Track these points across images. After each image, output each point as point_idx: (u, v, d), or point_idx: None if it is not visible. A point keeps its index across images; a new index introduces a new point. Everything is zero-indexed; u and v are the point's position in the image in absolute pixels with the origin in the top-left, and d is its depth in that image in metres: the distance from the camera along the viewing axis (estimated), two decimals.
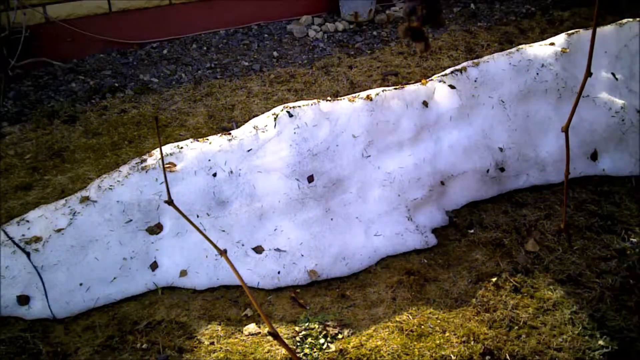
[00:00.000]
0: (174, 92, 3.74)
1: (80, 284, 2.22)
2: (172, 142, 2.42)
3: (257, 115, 3.43)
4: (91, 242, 2.26)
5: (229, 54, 4.29)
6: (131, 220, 2.29)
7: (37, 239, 2.21)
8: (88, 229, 2.25)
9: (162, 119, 3.41)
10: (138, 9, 4.28)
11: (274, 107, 3.50)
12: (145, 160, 2.34)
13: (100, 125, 3.38)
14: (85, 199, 2.25)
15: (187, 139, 3.16)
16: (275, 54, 4.28)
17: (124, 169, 2.32)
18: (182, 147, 2.36)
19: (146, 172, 2.31)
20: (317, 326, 2.15)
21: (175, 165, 2.31)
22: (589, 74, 1.00)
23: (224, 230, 2.35)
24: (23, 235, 2.23)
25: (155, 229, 2.32)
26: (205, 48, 4.37)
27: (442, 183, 2.64)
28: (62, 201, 2.30)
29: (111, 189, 2.27)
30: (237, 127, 3.31)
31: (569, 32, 2.91)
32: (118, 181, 2.28)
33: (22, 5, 3.84)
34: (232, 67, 4.08)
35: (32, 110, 3.54)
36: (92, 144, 3.20)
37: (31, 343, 2.09)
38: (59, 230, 2.23)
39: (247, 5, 4.64)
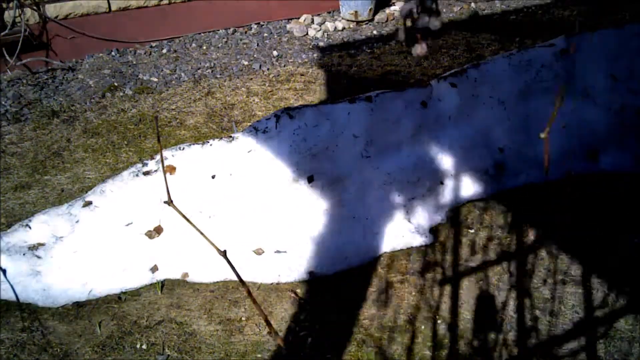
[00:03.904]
0: (173, 92, 3.74)
1: (81, 285, 2.23)
2: (172, 142, 2.43)
3: (257, 115, 3.45)
4: (92, 245, 2.26)
5: (228, 53, 4.29)
6: (131, 223, 2.29)
7: (40, 245, 2.22)
8: (90, 233, 2.26)
9: (161, 119, 3.40)
10: (137, 8, 4.28)
11: (274, 106, 3.51)
12: (146, 165, 2.35)
13: (100, 125, 3.37)
14: (87, 204, 2.26)
15: (187, 138, 3.16)
16: (275, 53, 4.28)
17: (125, 173, 2.33)
18: (182, 149, 2.36)
19: (146, 175, 2.31)
20: (317, 326, 2.15)
21: (175, 168, 2.31)
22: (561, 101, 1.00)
23: (224, 231, 2.35)
24: (25, 241, 2.23)
25: (155, 232, 2.32)
26: (204, 47, 4.36)
27: (442, 182, 2.64)
28: (65, 206, 2.31)
29: (112, 192, 2.27)
30: (237, 126, 3.31)
31: (569, 32, 2.91)
32: (119, 185, 2.29)
33: (22, 5, 3.84)
34: (231, 66, 4.08)
35: (31, 110, 3.54)
36: (91, 144, 3.20)
37: (31, 343, 2.09)
38: (61, 236, 2.23)
39: (247, 4, 4.64)
